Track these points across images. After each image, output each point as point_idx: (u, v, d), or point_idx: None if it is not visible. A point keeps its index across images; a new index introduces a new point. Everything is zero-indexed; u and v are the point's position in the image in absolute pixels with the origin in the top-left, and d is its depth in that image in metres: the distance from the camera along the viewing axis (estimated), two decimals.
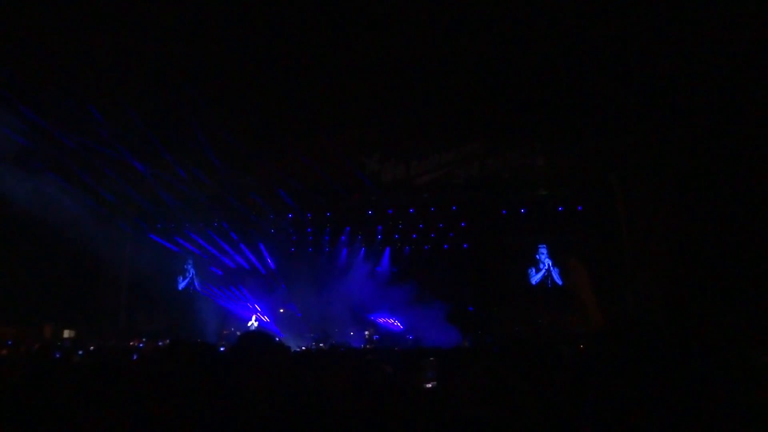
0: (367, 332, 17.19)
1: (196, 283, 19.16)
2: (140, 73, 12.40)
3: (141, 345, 13.40)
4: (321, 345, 15.07)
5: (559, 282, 17.21)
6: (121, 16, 10.54)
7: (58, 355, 5.41)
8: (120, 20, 10.63)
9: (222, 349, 7.97)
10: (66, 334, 16.66)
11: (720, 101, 11.72)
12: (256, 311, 18.04)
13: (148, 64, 12.12)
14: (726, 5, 9.64)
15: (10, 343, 9.84)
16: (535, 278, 17.46)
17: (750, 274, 11.95)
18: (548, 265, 17.44)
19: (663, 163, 13.75)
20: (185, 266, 19.38)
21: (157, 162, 15.82)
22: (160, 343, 11.23)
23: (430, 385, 3.72)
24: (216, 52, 12.12)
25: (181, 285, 19.31)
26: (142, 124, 13.83)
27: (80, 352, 6.39)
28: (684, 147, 13.13)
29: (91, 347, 11.13)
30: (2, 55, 11.28)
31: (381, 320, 17.84)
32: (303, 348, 12.92)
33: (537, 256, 17.54)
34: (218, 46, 11.85)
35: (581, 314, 14.44)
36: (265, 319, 17.96)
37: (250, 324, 17.66)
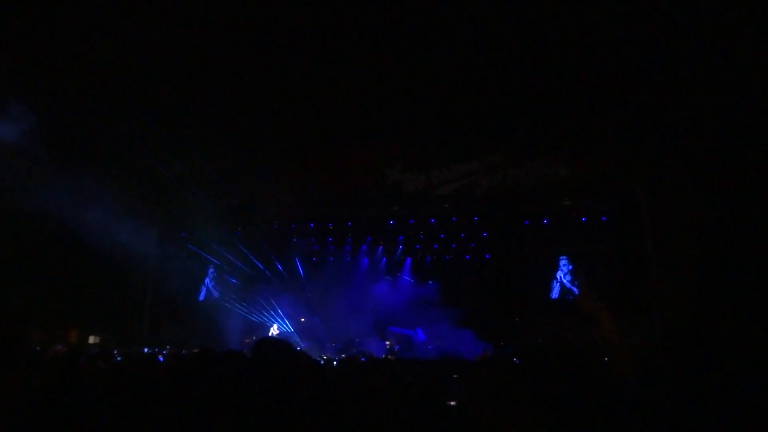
0: (387, 342, 17.13)
1: (216, 292, 19.31)
2: (165, 81, 12.63)
3: (164, 352, 13.53)
4: (342, 355, 15.05)
5: (576, 291, 16.95)
6: (150, 23, 10.75)
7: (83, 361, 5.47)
8: (149, 27, 10.84)
9: None
10: (91, 339, 16.91)
11: (749, 111, 11.50)
12: (277, 320, 18.11)
13: (174, 72, 12.34)
14: (751, 17, 9.48)
15: (38, 348, 10.00)
16: (556, 291, 17.24)
17: None
18: (565, 277, 17.18)
19: (689, 173, 13.51)
20: (208, 275, 19.55)
21: (183, 171, 16.05)
22: (184, 351, 11.33)
23: (453, 403, 3.66)
24: (241, 61, 12.29)
25: (203, 294, 19.48)
26: (169, 133, 14.06)
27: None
28: (710, 156, 12.89)
29: (114, 351, 11.27)
30: (34, 60, 11.53)
31: (402, 331, 17.76)
32: (324, 357, 12.92)
33: (563, 269, 17.32)
34: (244, 55, 12.01)
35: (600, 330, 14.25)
36: (290, 329, 17.98)
37: (271, 333, 17.73)
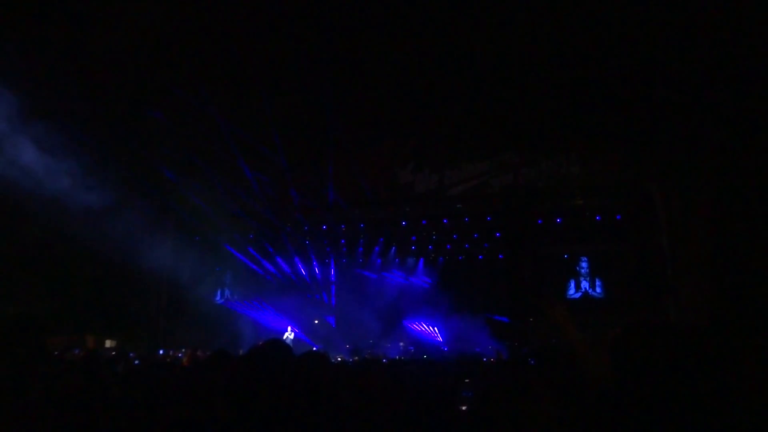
0: (401, 343, 17.13)
1: (233, 296, 19.41)
2: (179, 85, 12.73)
3: (180, 355, 13.64)
4: (355, 357, 15.06)
5: (599, 292, 16.83)
6: (168, 28, 10.85)
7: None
8: (165, 32, 10.93)
9: None
10: (108, 344, 17.06)
11: (766, 108, 11.35)
12: (291, 323, 18.15)
13: (188, 75, 12.43)
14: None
15: (56, 353, 10.12)
16: (576, 291, 17.14)
17: None
18: (586, 277, 17.09)
19: (704, 170, 13.36)
20: (223, 279, 19.67)
21: (194, 174, 16.14)
22: (199, 353, 11.41)
23: (465, 407, 3.64)
24: (251, 65, 12.35)
25: (220, 297, 19.59)
26: (180, 137, 14.16)
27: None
28: (726, 153, 12.74)
29: (131, 355, 11.38)
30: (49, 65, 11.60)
31: (416, 328, 17.75)
32: (338, 359, 12.94)
33: (577, 268, 17.23)
34: (256, 56, 12.07)
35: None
36: (303, 332, 17.99)
37: (285, 336, 17.77)
